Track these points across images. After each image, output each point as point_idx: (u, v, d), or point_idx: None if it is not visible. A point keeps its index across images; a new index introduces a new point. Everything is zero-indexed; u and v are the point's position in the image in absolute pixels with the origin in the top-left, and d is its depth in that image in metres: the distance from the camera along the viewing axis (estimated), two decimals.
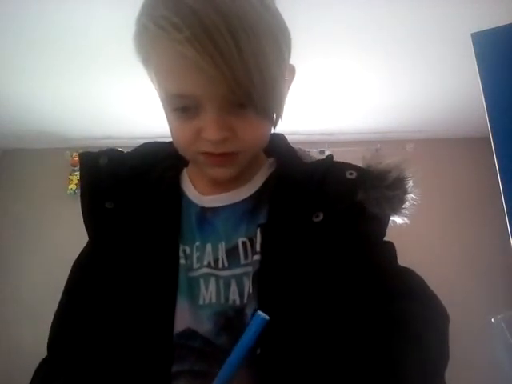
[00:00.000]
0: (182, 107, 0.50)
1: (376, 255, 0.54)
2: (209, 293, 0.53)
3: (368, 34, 1.84)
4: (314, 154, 0.63)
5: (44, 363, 0.56)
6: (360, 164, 0.59)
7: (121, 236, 0.57)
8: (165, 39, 0.45)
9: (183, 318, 0.52)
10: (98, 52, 1.82)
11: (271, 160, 0.63)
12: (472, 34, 1.41)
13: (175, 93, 0.49)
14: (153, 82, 0.53)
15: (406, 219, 0.57)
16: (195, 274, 0.55)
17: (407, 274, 0.54)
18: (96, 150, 0.62)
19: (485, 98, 1.37)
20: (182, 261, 0.55)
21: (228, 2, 0.44)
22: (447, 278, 2.62)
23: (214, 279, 0.54)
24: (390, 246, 0.57)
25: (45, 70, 2.01)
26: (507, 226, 1.28)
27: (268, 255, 0.53)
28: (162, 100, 0.52)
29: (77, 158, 2.72)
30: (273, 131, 0.58)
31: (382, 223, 0.57)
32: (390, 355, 0.44)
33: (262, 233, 0.54)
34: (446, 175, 2.82)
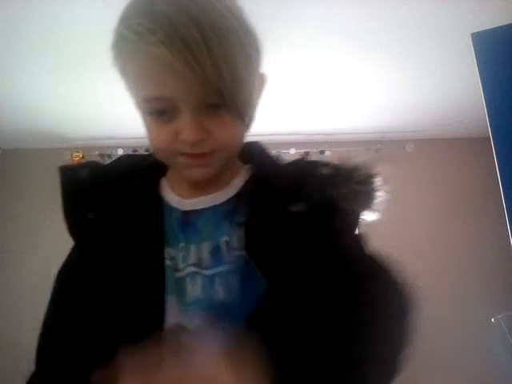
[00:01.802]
0: (158, 110, 0.52)
1: (345, 246, 0.57)
2: (195, 290, 0.56)
3: (368, 33, 1.84)
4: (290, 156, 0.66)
5: (34, 376, 0.57)
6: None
7: (105, 244, 0.59)
8: (140, 43, 0.48)
9: (172, 316, 0.54)
10: (98, 52, 1.82)
11: (248, 166, 0.66)
12: (472, 34, 1.42)
13: (151, 96, 0.51)
14: (129, 90, 0.55)
15: (377, 215, 0.60)
16: (181, 274, 0.57)
17: (374, 259, 0.58)
18: (76, 165, 0.66)
19: (485, 98, 1.37)
20: (168, 262, 0.58)
21: (199, 9, 0.47)
22: (447, 278, 2.63)
23: (200, 277, 0.56)
24: (360, 238, 0.61)
25: (45, 69, 2.01)
26: (507, 226, 1.28)
27: (252, 250, 0.56)
28: (139, 105, 0.54)
29: (77, 158, 2.72)
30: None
31: (352, 218, 0.60)
32: (346, 337, 0.49)
33: (245, 231, 0.57)
34: (446, 175, 2.83)
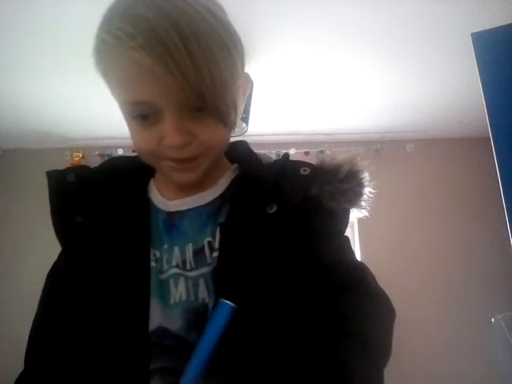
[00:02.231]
0: (141, 114, 0.51)
1: (327, 249, 0.56)
2: (179, 292, 0.56)
3: (368, 33, 1.84)
4: (274, 155, 0.66)
5: (22, 377, 0.58)
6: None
7: (93, 246, 0.59)
8: (120, 48, 0.47)
9: (155, 318, 0.55)
10: None
11: (235, 166, 0.66)
12: (472, 34, 1.42)
13: (134, 100, 0.50)
14: (113, 95, 0.54)
15: (364, 212, 0.60)
16: (165, 275, 0.57)
17: (356, 270, 0.56)
18: (63, 168, 0.66)
19: (485, 98, 1.37)
20: (153, 264, 0.58)
21: (179, 12, 0.46)
22: (447, 278, 2.63)
23: (183, 279, 0.57)
24: (345, 240, 0.60)
25: (45, 69, 2.01)
26: (507, 226, 1.28)
27: (225, 251, 0.55)
28: (122, 109, 0.53)
29: (77, 158, 2.72)
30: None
31: (340, 217, 0.60)
32: (335, 354, 0.47)
33: (221, 231, 0.57)
34: (446, 175, 2.82)
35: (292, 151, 2.68)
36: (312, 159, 0.63)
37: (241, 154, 0.66)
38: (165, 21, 0.45)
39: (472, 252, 2.65)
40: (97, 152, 2.72)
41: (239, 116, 0.57)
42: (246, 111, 2.06)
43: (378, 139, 2.80)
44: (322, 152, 2.78)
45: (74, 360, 0.54)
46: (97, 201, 0.61)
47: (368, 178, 0.59)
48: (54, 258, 0.64)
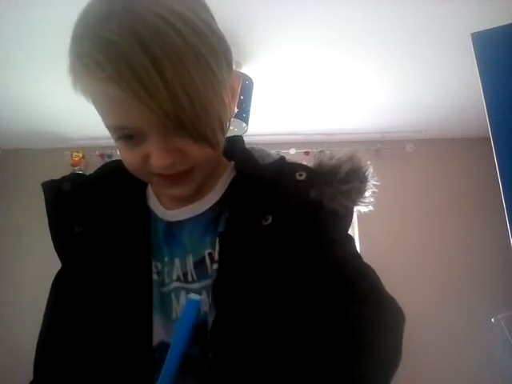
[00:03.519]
0: (125, 136, 0.49)
1: (332, 253, 0.54)
2: (180, 306, 0.55)
3: (368, 33, 1.84)
4: (273, 153, 0.64)
5: None
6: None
7: (94, 257, 0.57)
8: (89, 77, 0.45)
9: (157, 333, 0.54)
10: None
11: (232, 164, 0.63)
12: (472, 34, 1.41)
13: (114, 125, 0.49)
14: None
15: (370, 207, 0.58)
16: (167, 288, 0.56)
17: (363, 275, 0.54)
18: (59, 178, 0.64)
19: (485, 98, 1.37)
20: (155, 276, 0.56)
21: (150, 31, 0.43)
22: (447, 278, 2.62)
23: (185, 292, 0.55)
24: (350, 243, 0.58)
25: (45, 69, 2.01)
26: (507, 226, 1.28)
27: (224, 264, 0.53)
28: (106, 128, 0.52)
29: (77, 158, 2.72)
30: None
31: (344, 218, 0.57)
32: (346, 363, 0.46)
33: (220, 242, 0.55)
34: (446, 175, 2.82)
35: (292, 151, 2.68)
36: (311, 160, 0.61)
37: (238, 152, 0.63)
38: (136, 46, 0.42)
39: (472, 252, 2.65)
40: (97, 152, 2.71)
41: (227, 129, 0.54)
42: (246, 111, 2.06)
43: (377, 139, 2.80)
44: (321, 152, 2.77)
45: (80, 374, 0.53)
46: (95, 209, 0.59)
47: (371, 172, 0.57)
48: (54, 258, 0.64)
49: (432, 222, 2.73)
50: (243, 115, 2.04)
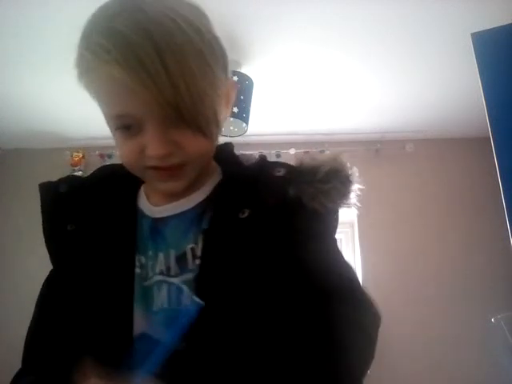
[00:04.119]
0: (124, 126, 0.52)
1: (311, 252, 0.55)
2: (161, 299, 0.56)
3: (368, 33, 1.84)
4: (274, 155, 0.65)
5: (18, 374, 0.60)
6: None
7: (83, 253, 0.60)
8: (97, 62, 0.48)
9: (138, 324, 0.55)
10: None
11: (220, 169, 0.66)
12: (472, 34, 1.42)
13: (114, 113, 0.52)
14: (99, 107, 0.55)
15: (354, 208, 0.58)
16: (149, 282, 0.58)
17: (342, 275, 0.55)
18: (56, 179, 0.66)
19: (485, 98, 1.37)
20: (138, 270, 0.58)
21: (156, 25, 0.47)
22: (447, 278, 2.62)
23: (166, 286, 0.57)
24: (330, 243, 0.58)
25: (45, 69, 2.01)
26: (507, 226, 1.28)
27: (206, 258, 0.55)
28: (107, 121, 0.55)
29: (77, 158, 2.72)
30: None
31: (324, 218, 0.58)
32: (320, 362, 0.47)
33: (203, 237, 0.57)
34: (446, 175, 2.82)
35: (292, 151, 2.68)
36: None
37: (224, 157, 0.66)
38: (141, 34, 0.46)
39: (472, 252, 2.65)
40: (97, 152, 2.71)
41: (222, 127, 0.57)
42: (246, 111, 2.06)
43: (378, 139, 2.80)
44: (321, 152, 2.78)
45: (65, 363, 0.54)
46: (88, 209, 0.62)
47: (355, 175, 0.58)
48: None
49: (432, 221, 2.73)
50: (243, 115, 2.04)
